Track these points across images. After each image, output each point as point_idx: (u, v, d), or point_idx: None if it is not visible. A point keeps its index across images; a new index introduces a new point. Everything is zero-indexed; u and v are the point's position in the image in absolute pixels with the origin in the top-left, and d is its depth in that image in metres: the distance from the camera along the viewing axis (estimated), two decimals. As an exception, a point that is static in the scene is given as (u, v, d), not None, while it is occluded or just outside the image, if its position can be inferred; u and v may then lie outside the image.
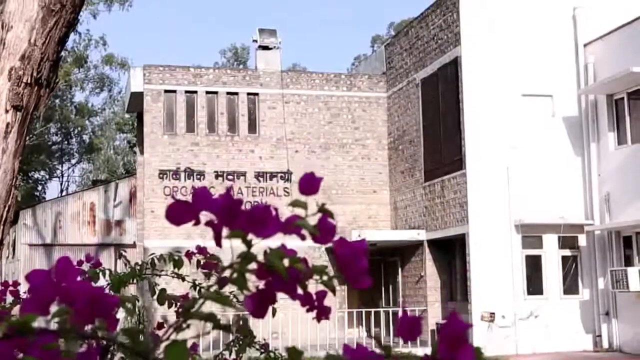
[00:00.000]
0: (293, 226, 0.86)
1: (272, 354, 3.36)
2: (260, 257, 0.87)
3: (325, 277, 0.90)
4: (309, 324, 19.67)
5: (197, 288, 2.92)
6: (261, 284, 0.88)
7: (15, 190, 3.57)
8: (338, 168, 24.48)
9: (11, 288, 2.71)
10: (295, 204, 0.89)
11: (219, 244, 0.86)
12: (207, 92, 24.02)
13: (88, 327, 0.84)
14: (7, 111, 3.48)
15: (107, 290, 2.63)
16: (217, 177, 23.64)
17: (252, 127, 24.26)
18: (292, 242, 0.89)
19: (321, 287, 0.92)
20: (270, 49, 24.96)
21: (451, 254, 21.69)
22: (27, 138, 3.74)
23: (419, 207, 22.52)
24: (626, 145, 19.38)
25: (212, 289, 0.87)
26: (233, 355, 3.30)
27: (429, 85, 22.23)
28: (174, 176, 23.35)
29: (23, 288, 1.79)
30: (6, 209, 3.50)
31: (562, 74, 20.53)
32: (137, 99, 24.35)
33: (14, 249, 27.93)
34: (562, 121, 20.52)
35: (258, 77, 24.52)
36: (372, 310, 21.58)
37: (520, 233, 19.64)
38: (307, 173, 0.92)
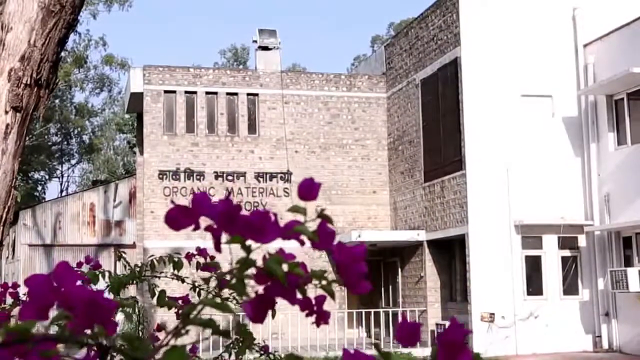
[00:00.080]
0: (292, 232, 0.86)
1: (271, 356, 3.36)
2: (259, 262, 0.87)
3: (324, 282, 0.90)
4: (308, 325, 19.57)
5: (197, 290, 2.91)
6: (260, 289, 0.88)
7: (14, 191, 3.57)
8: (338, 168, 24.46)
9: (11, 290, 2.71)
10: (294, 209, 0.89)
11: (218, 249, 0.86)
12: (207, 93, 24.00)
13: (87, 332, 0.84)
14: (6, 112, 3.48)
15: (106, 293, 2.62)
16: (216, 177, 23.62)
17: (252, 127, 24.24)
18: (292, 242, 0.89)
19: (320, 291, 0.92)
20: (270, 49, 24.94)
21: (451, 254, 21.68)
22: (27, 138, 3.74)
23: (418, 208, 22.51)
24: (626, 145, 19.37)
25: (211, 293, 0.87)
26: (233, 357, 3.29)
27: (428, 86, 22.23)
28: (174, 177, 23.32)
29: (23, 289, 1.78)
30: (6, 209, 3.50)
31: (561, 75, 20.53)
32: (137, 99, 24.33)
33: (14, 249, 27.92)
34: (562, 122, 20.52)
35: (258, 78, 24.50)
36: (372, 310, 21.57)
37: (520, 233, 19.63)
38: (307, 178, 0.92)
